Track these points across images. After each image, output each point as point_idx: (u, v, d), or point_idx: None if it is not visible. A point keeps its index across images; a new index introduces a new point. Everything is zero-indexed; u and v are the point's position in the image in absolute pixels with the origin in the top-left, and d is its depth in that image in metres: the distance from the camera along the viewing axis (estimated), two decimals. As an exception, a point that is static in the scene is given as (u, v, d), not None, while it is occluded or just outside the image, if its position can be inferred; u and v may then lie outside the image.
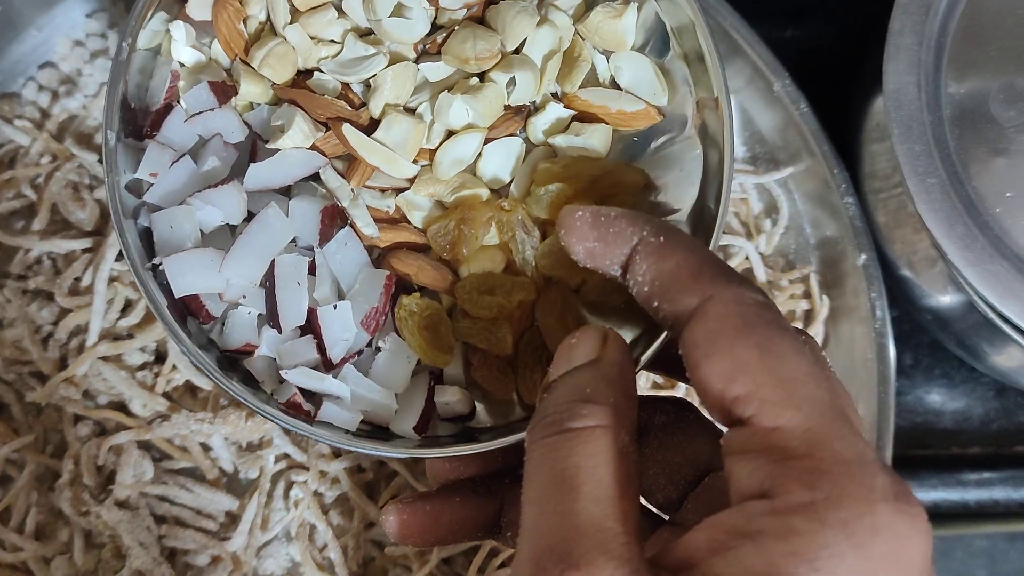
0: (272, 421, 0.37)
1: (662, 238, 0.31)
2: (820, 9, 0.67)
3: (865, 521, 0.25)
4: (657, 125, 0.40)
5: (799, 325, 0.59)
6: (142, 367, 0.53)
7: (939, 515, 0.65)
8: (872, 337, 0.56)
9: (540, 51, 0.39)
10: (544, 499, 0.28)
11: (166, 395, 0.52)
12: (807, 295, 0.59)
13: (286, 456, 0.53)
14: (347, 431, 0.37)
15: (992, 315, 0.50)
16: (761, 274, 0.59)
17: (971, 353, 0.60)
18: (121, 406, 0.53)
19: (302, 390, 0.37)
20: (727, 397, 0.28)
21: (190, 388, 0.53)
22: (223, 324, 0.38)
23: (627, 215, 0.33)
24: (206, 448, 0.53)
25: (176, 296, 0.36)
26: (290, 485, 0.53)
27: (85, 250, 0.53)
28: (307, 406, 0.37)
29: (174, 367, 0.52)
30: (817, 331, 0.58)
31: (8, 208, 0.55)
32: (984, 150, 0.49)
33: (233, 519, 0.53)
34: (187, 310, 0.37)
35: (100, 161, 0.55)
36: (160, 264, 0.36)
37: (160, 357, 0.53)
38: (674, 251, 0.31)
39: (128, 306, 0.53)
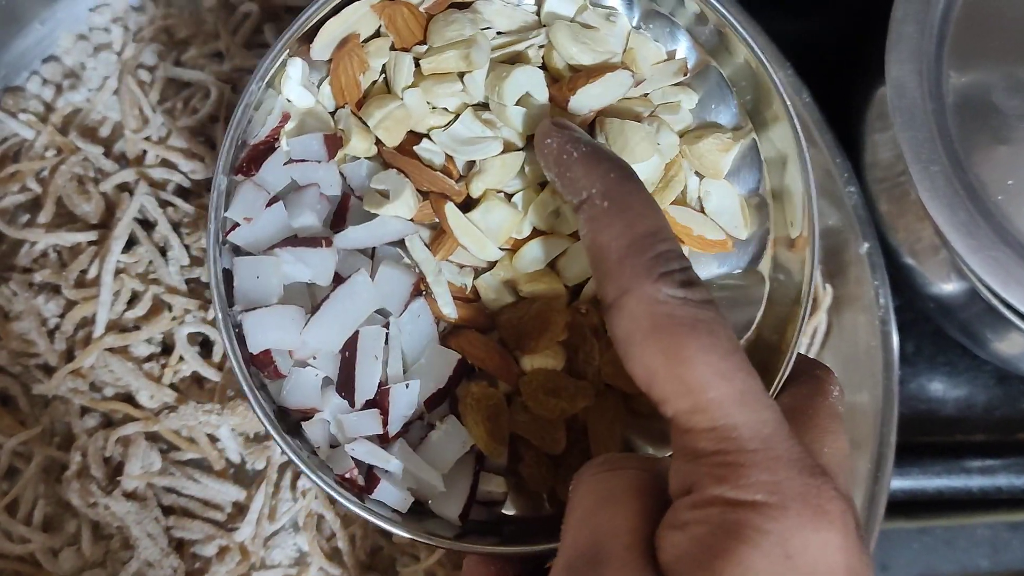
0: (331, 494, 0.36)
1: (606, 203, 0.30)
2: (821, -1, 0.67)
3: (773, 511, 0.26)
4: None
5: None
6: (149, 358, 0.53)
7: (942, 503, 0.65)
8: (875, 325, 0.56)
9: (644, 174, 0.38)
10: (584, 518, 0.29)
11: (173, 386, 0.53)
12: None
13: (293, 447, 0.53)
14: (396, 511, 0.37)
15: (995, 302, 0.50)
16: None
17: (974, 340, 0.61)
18: (128, 398, 0.53)
19: (356, 463, 0.36)
20: (649, 396, 0.29)
21: (197, 379, 0.53)
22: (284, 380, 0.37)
23: (587, 161, 0.32)
24: (213, 439, 0.53)
25: (251, 350, 0.36)
26: (297, 475, 0.53)
27: (91, 242, 0.53)
28: (361, 481, 0.37)
29: (181, 358, 0.52)
30: (820, 320, 0.59)
31: (14, 202, 0.55)
32: (986, 138, 0.49)
33: (241, 510, 0.53)
34: (255, 362, 0.36)
35: (105, 154, 0.55)
36: (239, 313, 0.36)
37: (167, 348, 0.53)
38: (612, 224, 0.30)
39: (134, 298, 0.53)
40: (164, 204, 0.54)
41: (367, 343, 0.36)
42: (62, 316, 0.53)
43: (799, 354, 0.37)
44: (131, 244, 0.53)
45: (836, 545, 0.26)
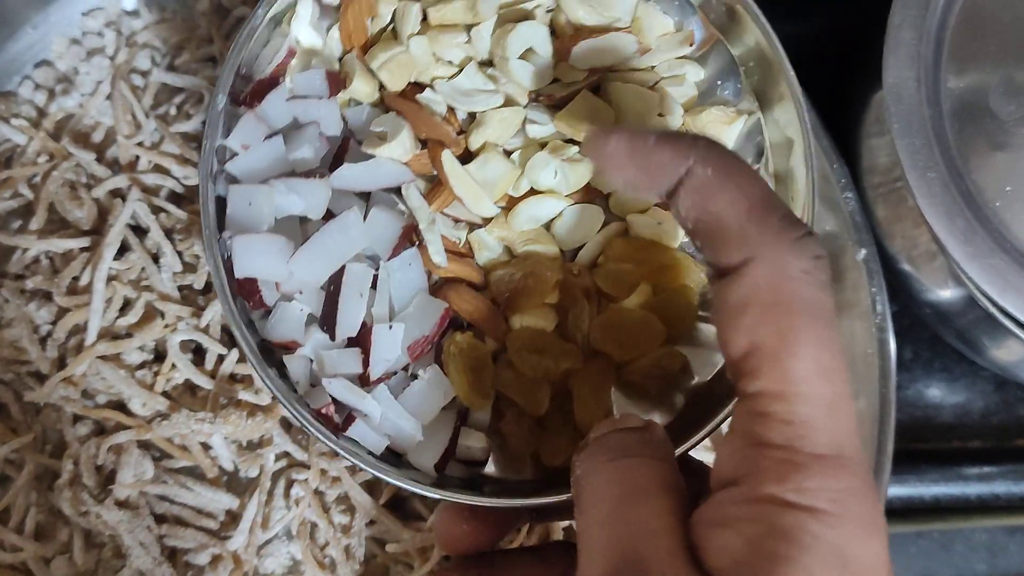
0: (305, 427, 0.36)
1: (710, 171, 0.28)
2: (819, 3, 0.67)
3: (832, 520, 0.25)
4: None
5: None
6: (141, 366, 0.53)
7: (939, 509, 0.65)
8: (872, 332, 0.56)
9: None
10: (614, 516, 0.28)
11: (165, 394, 0.52)
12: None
13: (286, 455, 0.53)
14: (371, 453, 0.37)
15: (992, 309, 0.50)
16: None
17: (971, 347, 0.60)
18: (120, 405, 0.52)
19: (335, 401, 0.37)
20: (738, 367, 0.27)
21: (190, 387, 0.53)
22: (270, 314, 0.37)
23: (669, 140, 0.30)
24: (206, 447, 0.53)
25: (237, 275, 0.36)
26: (291, 483, 0.53)
27: (83, 249, 0.53)
28: (337, 419, 0.37)
29: (173, 366, 0.52)
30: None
31: (5, 208, 0.54)
32: (984, 144, 0.49)
33: (234, 518, 0.52)
34: (240, 290, 0.37)
35: (98, 160, 0.54)
36: (229, 238, 0.36)
37: (159, 356, 0.53)
38: (723, 189, 0.28)
39: (127, 305, 0.52)
40: (157, 210, 0.53)
41: (352, 279, 0.36)
42: (54, 323, 0.53)
43: None
44: (123, 251, 0.53)
45: (882, 553, 0.26)
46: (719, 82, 0.41)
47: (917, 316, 0.64)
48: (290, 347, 0.37)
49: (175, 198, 0.55)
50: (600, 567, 0.27)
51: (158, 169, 0.54)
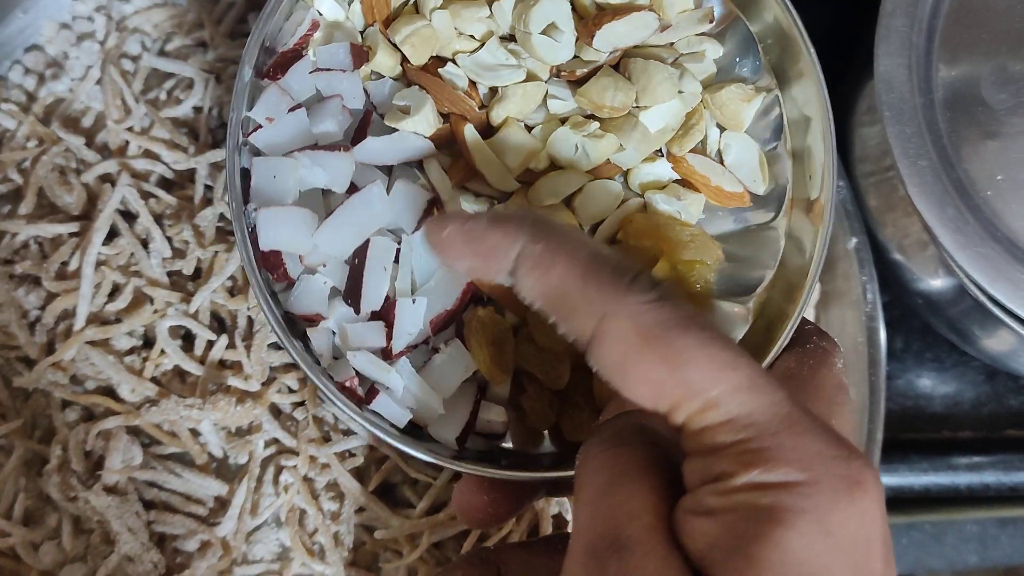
0: (331, 400, 0.36)
1: (539, 246, 0.29)
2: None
3: (807, 488, 0.25)
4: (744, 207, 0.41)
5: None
6: (130, 352, 0.52)
7: (930, 499, 0.65)
8: (863, 321, 0.56)
9: (664, 119, 0.39)
10: (599, 497, 0.28)
11: (154, 380, 0.52)
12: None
13: (276, 441, 0.53)
14: (393, 425, 0.37)
15: (983, 298, 0.50)
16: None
17: (962, 337, 0.60)
18: (109, 391, 0.52)
19: (357, 375, 0.37)
20: (659, 413, 0.28)
21: (179, 373, 0.53)
22: (293, 287, 0.37)
23: (499, 223, 0.30)
24: (195, 433, 0.52)
25: (261, 247, 0.36)
26: (280, 470, 0.52)
27: (72, 234, 0.53)
28: (360, 392, 0.37)
29: (162, 352, 0.52)
30: (808, 315, 0.58)
31: (-6, 192, 0.54)
32: (975, 133, 0.49)
33: (222, 504, 0.52)
34: (265, 262, 0.37)
35: (87, 145, 0.54)
36: (255, 210, 0.36)
37: (148, 342, 0.53)
38: (555, 260, 0.29)
39: (116, 290, 0.52)
40: (146, 196, 0.53)
41: (377, 252, 0.36)
42: (43, 308, 0.53)
43: (804, 319, 0.37)
44: (112, 236, 0.53)
45: (873, 515, 0.26)
46: (738, 59, 0.41)
47: (908, 305, 0.64)
48: (313, 320, 0.37)
49: (165, 183, 0.55)
50: (581, 543, 0.28)
51: (148, 154, 0.54)
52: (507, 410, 0.39)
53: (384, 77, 0.39)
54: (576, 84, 0.39)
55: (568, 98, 0.39)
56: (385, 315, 0.37)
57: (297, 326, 0.38)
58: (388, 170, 0.39)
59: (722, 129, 0.40)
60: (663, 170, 0.40)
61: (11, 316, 0.52)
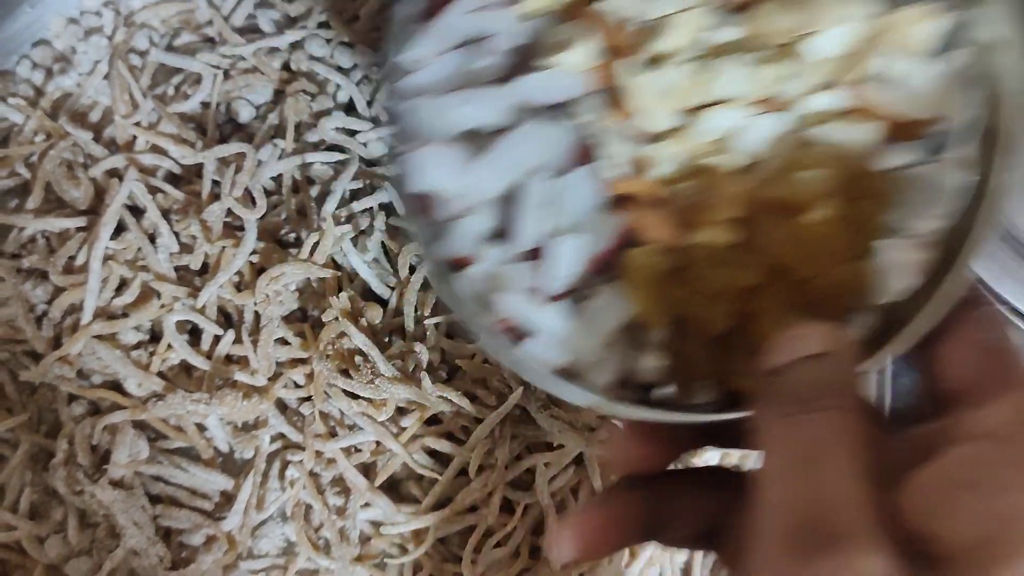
0: (483, 343, 0.35)
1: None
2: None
3: None
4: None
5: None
6: (137, 346, 0.53)
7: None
8: (868, 319, 0.56)
9: (839, 44, 0.36)
10: (793, 473, 0.26)
11: (161, 374, 0.52)
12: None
13: (282, 436, 0.53)
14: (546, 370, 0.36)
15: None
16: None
17: (967, 336, 0.60)
18: (116, 385, 0.52)
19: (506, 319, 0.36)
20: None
21: (185, 367, 0.53)
22: (442, 229, 0.37)
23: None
24: (201, 428, 0.53)
25: (413, 189, 0.35)
26: (285, 465, 0.53)
27: (79, 229, 0.53)
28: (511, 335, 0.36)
29: (169, 346, 0.52)
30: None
31: (2, 186, 0.54)
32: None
33: (228, 499, 0.52)
34: (419, 205, 0.36)
35: (95, 140, 0.54)
36: (406, 151, 0.36)
37: (155, 336, 0.53)
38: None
39: (123, 285, 0.52)
40: (154, 190, 0.53)
41: (530, 193, 0.36)
42: (50, 302, 0.53)
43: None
44: (120, 230, 0.53)
45: None
46: None
47: (913, 306, 0.64)
48: (463, 263, 0.37)
49: (172, 178, 0.55)
50: (779, 524, 0.25)
51: (155, 149, 0.54)
52: (665, 356, 0.37)
53: (539, 15, 0.38)
54: (739, 11, 0.37)
55: (731, 27, 0.37)
56: (538, 255, 0.36)
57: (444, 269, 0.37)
58: (542, 110, 0.37)
59: (900, 54, 0.37)
60: (835, 101, 0.37)
61: (18, 310, 0.52)
